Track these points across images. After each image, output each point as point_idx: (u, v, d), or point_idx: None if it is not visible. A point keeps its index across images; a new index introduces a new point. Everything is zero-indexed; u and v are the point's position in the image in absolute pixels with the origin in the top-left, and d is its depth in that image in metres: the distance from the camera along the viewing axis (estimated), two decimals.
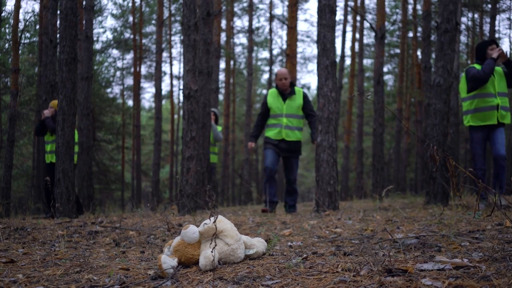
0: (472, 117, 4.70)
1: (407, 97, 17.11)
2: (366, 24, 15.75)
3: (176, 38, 21.58)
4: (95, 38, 18.69)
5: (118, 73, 22.36)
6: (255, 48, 21.53)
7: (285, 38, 22.09)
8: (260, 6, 20.77)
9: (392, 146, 18.85)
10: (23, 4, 28.62)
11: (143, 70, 23.50)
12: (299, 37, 21.74)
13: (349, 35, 34.65)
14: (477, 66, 4.68)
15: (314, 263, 1.73)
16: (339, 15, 17.68)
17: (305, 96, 5.32)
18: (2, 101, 11.27)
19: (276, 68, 21.42)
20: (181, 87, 20.78)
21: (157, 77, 15.32)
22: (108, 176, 16.24)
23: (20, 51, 11.64)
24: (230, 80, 18.85)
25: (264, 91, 27.16)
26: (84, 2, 9.41)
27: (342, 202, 8.45)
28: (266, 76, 27.61)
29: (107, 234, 3.21)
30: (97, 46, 19.42)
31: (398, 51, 20.15)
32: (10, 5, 44.91)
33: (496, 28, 16.09)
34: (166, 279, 1.62)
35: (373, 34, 15.75)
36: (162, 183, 24.01)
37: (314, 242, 2.56)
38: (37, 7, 24.09)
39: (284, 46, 19.49)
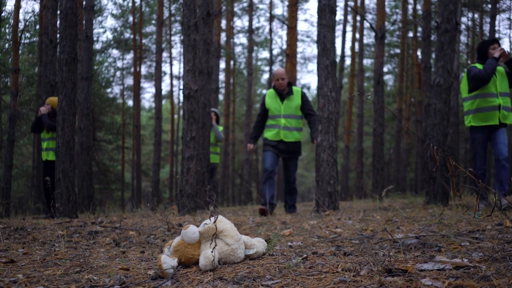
0: (474, 117, 4.64)
1: (407, 97, 17.10)
2: (366, 24, 15.76)
3: (176, 38, 21.61)
4: (95, 38, 18.70)
5: (118, 73, 22.39)
6: (255, 48, 21.53)
7: (285, 38, 22.12)
8: (260, 6, 20.79)
9: (392, 146, 18.85)
10: (23, 4, 28.61)
11: (143, 70, 23.53)
12: (299, 37, 21.75)
13: (349, 35, 34.74)
14: (479, 66, 4.60)
15: (314, 263, 1.73)
16: (339, 15, 17.70)
17: (303, 96, 5.25)
18: (2, 101, 11.26)
19: (276, 68, 21.38)
20: (181, 87, 20.78)
21: (157, 77, 15.32)
22: (108, 176, 16.24)
23: (20, 51, 11.63)
24: (230, 80, 18.85)
25: (264, 91, 27.14)
26: (84, 2, 9.41)
27: (342, 202, 8.45)
28: (266, 76, 27.64)
29: (107, 234, 3.21)
30: (97, 46, 19.43)
31: (398, 51, 20.14)
32: (10, 5, 44.91)
33: (496, 28, 16.11)
34: (166, 279, 1.62)
35: (373, 34, 15.76)
36: (162, 183, 24.01)
37: (314, 242, 2.56)
38: (37, 7, 24.11)
39: (284, 46, 19.51)
